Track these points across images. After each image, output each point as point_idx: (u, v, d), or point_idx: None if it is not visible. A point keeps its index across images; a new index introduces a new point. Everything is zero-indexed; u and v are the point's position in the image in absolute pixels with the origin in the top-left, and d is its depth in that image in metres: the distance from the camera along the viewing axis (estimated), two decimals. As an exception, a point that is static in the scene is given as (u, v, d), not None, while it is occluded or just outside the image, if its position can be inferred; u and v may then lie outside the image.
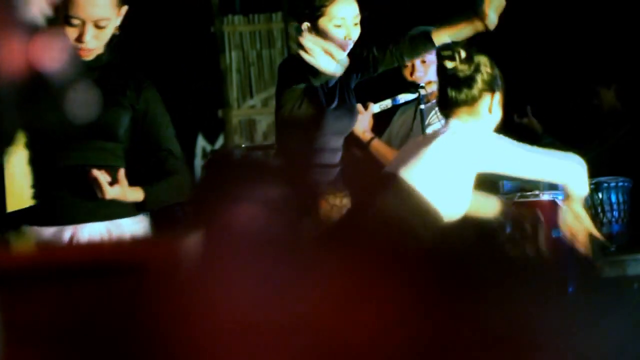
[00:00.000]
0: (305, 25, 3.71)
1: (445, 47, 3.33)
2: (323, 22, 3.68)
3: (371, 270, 1.18)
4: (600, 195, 4.98)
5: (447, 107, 3.30)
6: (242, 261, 1.14)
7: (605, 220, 4.97)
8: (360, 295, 1.14)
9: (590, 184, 4.99)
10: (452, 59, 3.27)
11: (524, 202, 4.52)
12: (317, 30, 3.69)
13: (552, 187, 4.64)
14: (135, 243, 1.24)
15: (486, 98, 3.27)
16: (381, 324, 1.12)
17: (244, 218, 1.26)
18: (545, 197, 4.60)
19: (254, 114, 7.24)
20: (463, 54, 3.28)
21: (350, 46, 3.71)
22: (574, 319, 1.23)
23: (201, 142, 7.29)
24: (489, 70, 3.29)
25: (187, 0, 7.06)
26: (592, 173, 5.18)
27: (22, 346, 1.10)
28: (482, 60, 3.30)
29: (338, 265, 1.17)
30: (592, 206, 4.98)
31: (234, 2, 7.36)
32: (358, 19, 3.72)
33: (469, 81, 3.25)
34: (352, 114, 3.76)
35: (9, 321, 1.08)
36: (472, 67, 3.26)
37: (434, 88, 4.23)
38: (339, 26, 3.67)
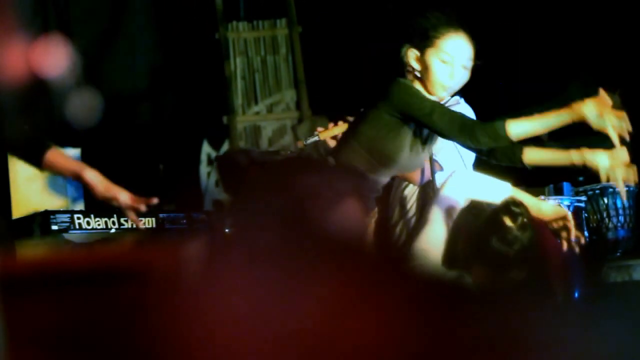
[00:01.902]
0: (413, 52, 3.56)
1: (516, 204, 3.23)
2: (430, 54, 3.51)
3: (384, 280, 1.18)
4: (605, 200, 4.97)
5: (477, 256, 3.21)
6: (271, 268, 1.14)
7: (610, 225, 4.97)
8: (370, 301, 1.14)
9: (596, 190, 5.00)
10: (515, 219, 3.20)
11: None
12: (422, 61, 3.52)
13: (557, 192, 4.64)
14: (139, 249, 1.24)
15: (512, 268, 3.21)
16: (386, 332, 1.12)
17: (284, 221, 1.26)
18: (551, 202, 4.59)
19: (258, 120, 7.25)
20: (525, 220, 3.21)
21: (453, 89, 3.54)
22: (580, 325, 1.23)
23: (206, 149, 7.29)
24: (532, 249, 3.23)
25: (191, 7, 7.07)
26: (598, 178, 5.18)
27: (26, 353, 1.10)
28: (532, 237, 3.24)
29: (356, 274, 1.17)
30: (598, 211, 4.97)
31: (238, 8, 7.37)
32: (469, 63, 3.51)
33: (510, 245, 3.19)
34: (422, 162, 3.69)
35: (14, 327, 1.08)
36: (523, 236, 3.20)
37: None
38: (445, 62, 3.48)
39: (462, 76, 3.52)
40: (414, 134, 3.51)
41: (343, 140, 3.72)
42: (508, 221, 3.19)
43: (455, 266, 3.28)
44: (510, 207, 3.20)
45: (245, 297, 1.11)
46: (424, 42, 3.53)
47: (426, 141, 3.59)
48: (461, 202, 3.41)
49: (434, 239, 3.38)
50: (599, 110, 3.33)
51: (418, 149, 3.56)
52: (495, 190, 3.41)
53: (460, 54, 3.49)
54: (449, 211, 3.40)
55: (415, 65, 3.55)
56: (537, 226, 3.32)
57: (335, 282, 1.13)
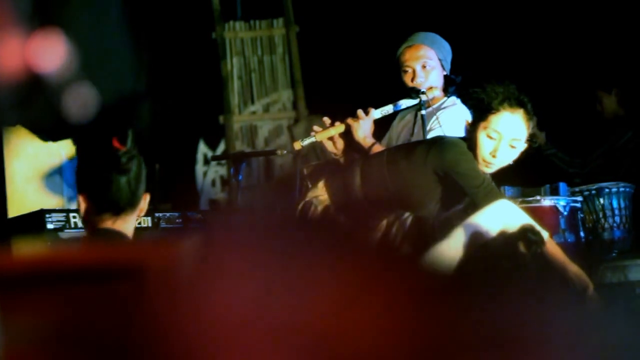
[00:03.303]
0: (467, 122, 3.57)
1: (534, 232, 3.21)
2: (480, 127, 3.47)
3: (380, 275, 1.17)
4: (601, 200, 4.97)
5: (484, 274, 3.24)
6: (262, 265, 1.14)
7: (607, 225, 4.97)
8: (368, 298, 1.14)
9: (592, 190, 5.00)
10: (530, 247, 3.19)
11: (525, 208, 4.52)
12: (472, 131, 3.50)
13: (553, 192, 4.64)
14: (134, 247, 1.24)
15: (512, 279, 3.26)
16: (390, 327, 1.12)
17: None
18: (547, 202, 4.59)
19: (255, 119, 7.25)
20: (539, 250, 3.21)
21: (497, 166, 3.48)
22: (575, 325, 1.23)
23: (202, 148, 7.29)
24: (540, 279, 3.26)
25: (188, 7, 7.07)
26: (595, 179, 5.19)
27: (22, 352, 1.09)
28: (543, 267, 3.25)
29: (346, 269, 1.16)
30: (594, 212, 4.97)
31: (235, 8, 7.37)
32: (518, 144, 3.45)
33: (516, 265, 3.20)
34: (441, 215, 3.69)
35: (10, 326, 1.08)
36: (532, 259, 3.21)
37: (435, 94, 4.22)
38: (492, 139, 3.44)
39: (507, 155, 3.48)
40: (446, 192, 3.53)
41: (379, 157, 3.69)
42: (522, 247, 3.17)
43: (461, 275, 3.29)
44: (527, 233, 3.17)
45: (242, 297, 1.11)
46: (476, 114, 3.51)
47: (455, 203, 3.60)
48: (495, 230, 3.37)
49: (447, 250, 3.36)
50: None
51: (445, 206, 3.57)
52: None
53: (510, 132, 3.45)
54: (474, 233, 3.38)
55: (468, 132, 3.55)
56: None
57: (340, 282, 1.13)
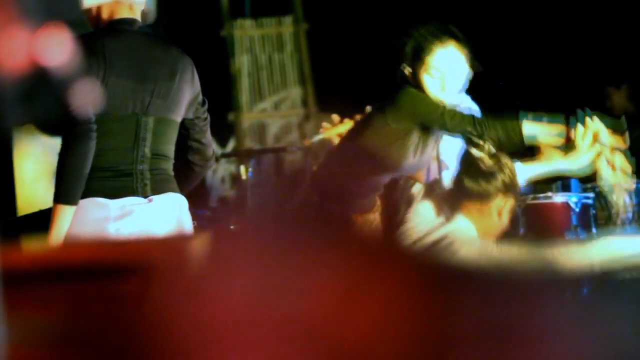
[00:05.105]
0: (407, 70, 3.59)
1: (478, 136, 3.27)
2: (420, 71, 3.53)
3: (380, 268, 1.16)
4: (614, 197, 4.95)
5: (460, 197, 3.26)
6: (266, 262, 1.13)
7: (619, 222, 4.95)
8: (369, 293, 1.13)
9: (605, 187, 4.98)
10: (481, 148, 3.21)
11: (537, 204, 4.50)
12: (415, 78, 3.56)
13: (565, 188, 4.62)
14: (141, 243, 1.23)
15: (499, 200, 3.23)
16: (390, 323, 1.10)
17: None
18: (558, 198, 4.57)
19: (264, 117, 7.24)
20: (492, 148, 3.22)
21: (450, 99, 3.51)
22: (589, 321, 1.21)
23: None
24: (511, 174, 3.24)
25: (196, 4, 7.07)
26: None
27: (29, 349, 1.09)
28: (508, 163, 3.25)
29: (347, 264, 1.15)
30: (607, 208, 4.95)
31: (243, 6, 7.36)
32: (460, 71, 3.53)
33: (488, 176, 3.21)
34: (427, 163, 3.72)
35: (18, 323, 1.08)
36: (497, 164, 3.21)
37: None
38: (434, 77, 3.51)
39: (456, 85, 3.53)
40: (420, 140, 3.55)
41: (346, 141, 3.72)
42: (477, 152, 3.21)
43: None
44: (479, 138, 3.22)
45: (249, 293, 1.10)
46: (413, 60, 3.56)
47: (431, 145, 3.62)
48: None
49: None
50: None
51: (423, 152, 3.59)
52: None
53: (450, 66, 3.51)
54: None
55: (412, 81, 3.57)
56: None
57: (343, 276, 1.12)
